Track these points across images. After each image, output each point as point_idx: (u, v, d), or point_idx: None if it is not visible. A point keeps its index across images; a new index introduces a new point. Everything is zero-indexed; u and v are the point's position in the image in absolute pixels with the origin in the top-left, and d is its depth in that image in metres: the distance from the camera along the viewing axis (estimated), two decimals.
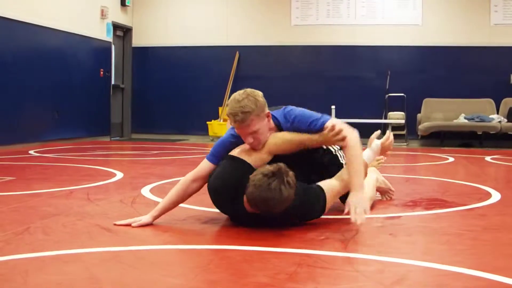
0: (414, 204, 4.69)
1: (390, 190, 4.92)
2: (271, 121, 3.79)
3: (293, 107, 3.91)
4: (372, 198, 4.40)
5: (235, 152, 3.72)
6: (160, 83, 14.36)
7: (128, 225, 3.72)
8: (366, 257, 3.02)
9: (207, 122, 13.49)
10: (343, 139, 3.70)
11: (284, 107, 3.91)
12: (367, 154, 4.17)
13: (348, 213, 3.54)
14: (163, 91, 14.34)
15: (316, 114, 3.81)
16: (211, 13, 14.18)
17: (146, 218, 3.75)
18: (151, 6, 14.46)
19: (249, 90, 3.70)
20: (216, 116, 13.53)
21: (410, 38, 13.36)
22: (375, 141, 4.26)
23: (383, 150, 4.26)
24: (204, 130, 13.61)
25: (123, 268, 2.82)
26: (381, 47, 13.44)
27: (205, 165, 3.85)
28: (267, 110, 3.71)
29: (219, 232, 3.59)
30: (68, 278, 2.63)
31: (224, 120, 13.42)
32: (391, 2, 13.46)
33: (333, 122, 3.74)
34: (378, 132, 4.41)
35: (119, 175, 6.44)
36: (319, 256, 3.03)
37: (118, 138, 14.09)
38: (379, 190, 4.87)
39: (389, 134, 4.41)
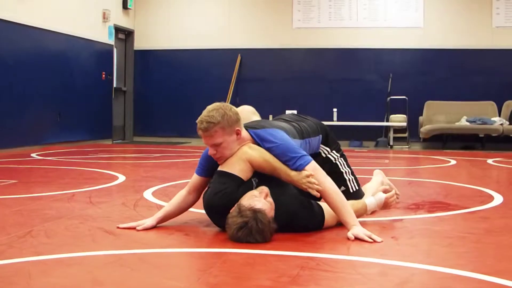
0: (416, 207, 4.68)
1: (396, 193, 4.90)
2: (245, 136, 3.73)
3: (277, 132, 3.77)
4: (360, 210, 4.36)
5: (221, 167, 3.70)
6: (162, 86, 14.37)
7: (132, 228, 3.72)
8: (368, 260, 3.02)
9: None
10: (318, 191, 3.58)
11: (267, 128, 3.80)
12: (369, 201, 4.12)
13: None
14: (165, 94, 14.35)
15: (298, 151, 3.67)
16: (213, 16, 14.19)
17: (149, 221, 3.76)
18: (153, 9, 14.47)
19: (224, 104, 3.71)
20: None
21: (412, 41, 13.36)
22: (379, 194, 4.18)
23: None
24: None
25: (126, 271, 2.82)
26: (382, 49, 13.45)
27: (194, 178, 3.93)
28: (237, 127, 3.66)
29: (221, 235, 3.59)
30: (71, 281, 2.64)
31: None
32: (393, 4, 13.46)
33: (313, 167, 3.63)
34: (386, 187, 4.39)
35: (121, 178, 6.45)
36: (321, 259, 3.03)
37: (120, 141, 14.09)
38: (383, 191, 4.85)
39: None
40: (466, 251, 3.28)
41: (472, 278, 2.70)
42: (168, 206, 3.88)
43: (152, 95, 14.46)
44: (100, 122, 13.21)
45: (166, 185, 5.87)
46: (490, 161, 9.34)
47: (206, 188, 3.78)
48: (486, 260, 3.10)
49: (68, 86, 11.91)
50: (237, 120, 3.67)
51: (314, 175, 3.58)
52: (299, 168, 3.60)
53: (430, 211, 4.50)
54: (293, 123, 4.08)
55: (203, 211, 4.21)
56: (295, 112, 11.80)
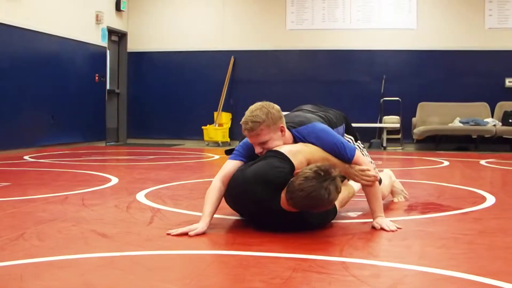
0: (409, 208, 4.69)
1: (403, 192, 5.07)
2: (287, 135, 3.83)
3: (316, 126, 3.90)
4: (383, 196, 4.48)
5: (282, 149, 3.71)
6: (155, 88, 14.36)
7: (185, 234, 3.58)
8: (361, 261, 3.02)
9: (203, 127, 13.49)
10: (371, 184, 3.80)
11: (310, 124, 3.92)
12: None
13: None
14: (158, 96, 14.34)
15: (341, 141, 3.84)
16: (206, 18, 14.19)
17: (201, 227, 3.63)
18: (146, 11, 14.46)
19: (266, 102, 3.80)
20: (211, 121, 13.53)
21: (405, 42, 13.39)
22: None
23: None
24: (199, 135, 13.62)
25: (119, 273, 2.82)
26: (376, 51, 13.47)
27: (229, 165, 3.88)
28: (281, 124, 3.77)
29: (214, 237, 3.58)
30: (64, 284, 2.63)
31: (219, 125, 13.42)
32: (386, 6, 13.48)
33: (358, 155, 3.83)
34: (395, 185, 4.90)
35: (115, 180, 6.43)
36: (314, 261, 3.03)
37: (113, 143, 14.08)
38: (392, 191, 4.99)
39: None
40: (459, 252, 3.28)
41: (465, 279, 2.70)
42: (210, 205, 3.75)
43: (146, 97, 14.45)
44: (94, 124, 13.19)
45: (159, 187, 5.86)
46: (483, 162, 9.35)
47: (247, 165, 3.75)
48: (479, 261, 3.10)
49: (62, 88, 11.89)
50: (280, 117, 3.78)
51: (361, 165, 3.79)
52: (350, 159, 3.79)
53: (423, 212, 4.50)
54: (319, 113, 4.17)
55: (195, 213, 4.22)
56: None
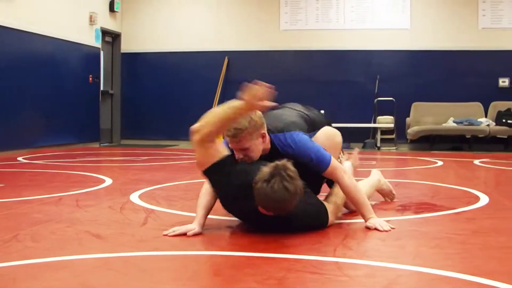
0: (403, 208, 4.69)
1: (392, 192, 5.05)
2: (267, 141, 3.83)
3: (294, 135, 3.91)
4: (369, 196, 4.46)
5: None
6: (150, 89, 14.34)
7: (183, 234, 3.60)
8: (355, 261, 3.03)
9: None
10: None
11: (288, 133, 3.92)
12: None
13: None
14: (152, 97, 14.33)
15: (316, 151, 3.85)
16: (200, 18, 14.18)
17: (197, 228, 3.66)
18: (140, 11, 14.45)
19: None
20: None
21: (399, 42, 13.40)
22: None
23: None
24: None
25: (113, 274, 2.82)
26: (370, 51, 13.47)
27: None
28: (262, 130, 3.77)
29: (208, 238, 3.58)
30: (58, 286, 2.62)
31: None
32: (380, 6, 13.49)
33: (334, 166, 3.87)
34: (382, 186, 4.98)
35: (109, 181, 6.43)
36: (308, 261, 3.03)
37: (107, 144, 14.06)
38: (381, 192, 5.01)
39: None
40: (453, 252, 3.29)
41: (459, 279, 2.71)
42: (202, 208, 3.78)
43: (140, 97, 14.43)
44: (88, 125, 13.17)
45: (153, 188, 5.86)
46: (477, 162, 9.37)
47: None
48: (473, 261, 3.11)
49: (55, 89, 11.86)
50: (262, 123, 3.78)
51: (335, 171, 3.84)
52: (322, 171, 3.86)
53: (417, 212, 4.51)
54: (304, 113, 4.24)
55: (189, 214, 4.22)
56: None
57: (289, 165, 3.41)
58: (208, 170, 3.65)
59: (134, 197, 5.24)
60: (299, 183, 3.39)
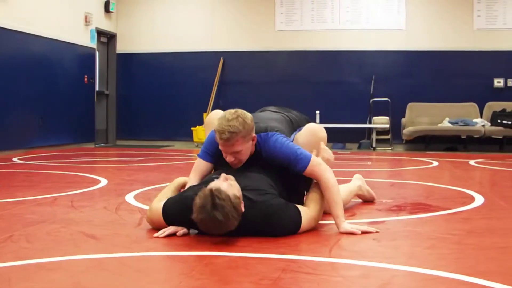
0: (398, 209, 4.70)
1: (373, 198, 5.06)
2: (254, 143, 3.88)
3: (278, 135, 3.91)
4: (345, 202, 4.47)
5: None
6: (145, 89, 14.34)
7: (173, 235, 3.61)
8: (350, 262, 3.03)
9: (192, 128, 13.47)
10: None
11: (269, 133, 3.92)
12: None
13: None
14: (147, 97, 14.33)
15: (296, 152, 3.83)
16: (196, 18, 14.18)
17: (182, 228, 3.66)
18: (135, 12, 14.44)
19: (240, 111, 3.78)
20: (201, 122, 13.51)
21: (394, 43, 13.42)
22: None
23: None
24: (189, 136, 13.60)
25: (108, 275, 2.81)
26: (365, 52, 13.50)
27: (201, 166, 4.03)
28: (253, 134, 3.80)
29: (203, 239, 3.58)
30: (52, 286, 2.62)
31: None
32: (375, 7, 13.51)
33: (315, 163, 3.83)
34: (363, 193, 5.01)
35: (104, 181, 6.42)
36: (303, 262, 3.03)
37: (103, 144, 14.05)
38: (361, 197, 5.02)
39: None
40: (448, 252, 3.29)
41: (453, 279, 2.71)
42: None
43: (135, 98, 14.43)
44: (83, 125, 13.16)
45: (148, 189, 5.85)
46: (472, 162, 9.39)
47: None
48: (468, 261, 3.11)
49: (50, 90, 11.86)
50: (253, 127, 3.81)
51: (315, 168, 3.81)
52: (301, 171, 3.83)
53: (412, 213, 4.51)
54: (282, 114, 4.27)
55: None
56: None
57: (218, 191, 3.32)
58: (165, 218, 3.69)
59: (129, 197, 5.23)
60: (228, 208, 3.29)
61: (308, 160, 3.81)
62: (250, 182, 3.67)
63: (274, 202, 3.61)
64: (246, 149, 3.78)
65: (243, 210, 3.42)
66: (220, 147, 3.77)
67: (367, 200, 5.01)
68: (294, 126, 4.24)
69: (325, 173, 3.82)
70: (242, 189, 3.53)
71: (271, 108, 4.47)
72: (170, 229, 3.64)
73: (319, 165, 3.84)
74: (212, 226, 3.33)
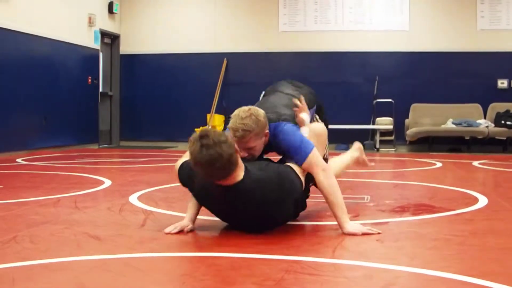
0: (401, 210, 4.70)
1: (366, 163, 5.23)
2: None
3: (286, 125, 3.98)
4: (337, 175, 4.39)
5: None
6: (148, 90, 14.35)
7: (181, 231, 3.75)
8: (353, 263, 3.03)
9: (195, 129, 13.45)
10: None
11: (278, 123, 3.99)
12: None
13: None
14: (151, 98, 14.34)
15: (301, 144, 3.89)
16: (199, 20, 14.19)
17: (190, 224, 3.82)
18: (138, 13, 14.45)
19: (253, 108, 3.86)
20: (204, 123, 13.53)
21: (398, 44, 13.41)
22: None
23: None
24: None
25: (111, 276, 2.82)
26: (368, 53, 13.49)
27: None
28: (266, 130, 3.88)
29: (206, 240, 3.58)
30: (56, 287, 2.63)
31: (212, 127, 13.41)
32: (379, 8, 13.50)
33: (313, 156, 3.86)
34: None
35: (107, 182, 6.43)
36: (306, 263, 3.03)
37: (106, 145, 14.06)
38: (358, 166, 5.23)
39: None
40: (451, 253, 3.29)
41: (456, 280, 2.71)
42: (193, 206, 3.89)
43: (138, 99, 14.45)
44: (86, 126, 13.18)
45: (152, 190, 5.86)
46: (475, 163, 9.37)
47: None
48: (471, 262, 3.11)
49: (54, 91, 11.87)
50: (266, 123, 3.89)
51: (312, 165, 3.83)
52: (299, 164, 3.86)
53: (415, 214, 4.51)
54: (294, 96, 4.31)
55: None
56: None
57: (210, 131, 3.44)
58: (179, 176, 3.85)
59: (133, 198, 5.24)
60: (214, 137, 3.39)
61: (307, 153, 3.84)
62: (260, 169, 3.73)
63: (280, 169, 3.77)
64: (259, 145, 3.87)
65: (234, 143, 3.51)
66: (236, 144, 3.81)
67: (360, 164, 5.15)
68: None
69: (323, 171, 3.84)
70: (249, 169, 3.63)
71: (282, 87, 4.55)
72: (176, 227, 3.74)
73: (318, 163, 3.85)
74: (207, 163, 3.37)
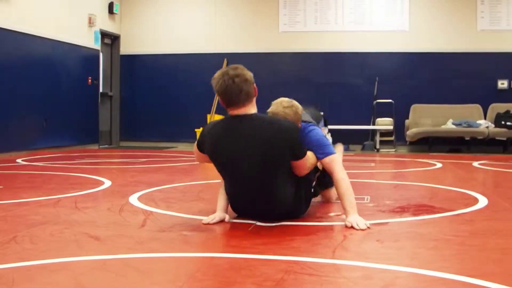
0: (401, 210, 4.70)
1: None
2: None
3: (317, 128, 4.42)
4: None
5: None
6: (148, 91, 14.36)
7: (222, 221, 4.07)
8: (353, 263, 3.03)
9: (196, 130, 13.46)
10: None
11: (309, 124, 4.43)
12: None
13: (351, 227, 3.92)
14: (151, 99, 14.34)
15: (326, 144, 4.29)
16: (199, 20, 14.19)
17: (227, 215, 4.13)
18: (139, 13, 14.46)
19: (295, 102, 4.38)
20: (204, 123, 13.51)
21: (398, 44, 13.41)
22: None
23: None
24: (192, 138, 13.58)
25: (111, 276, 2.82)
26: (369, 53, 13.49)
27: None
28: (299, 124, 4.30)
29: (206, 240, 3.58)
30: (56, 287, 2.63)
31: None
32: (379, 8, 13.51)
33: (332, 158, 4.22)
34: None
35: (107, 183, 6.43)
36: (306, 263, 3.03)
37: (106, 146, 14.06)
38: None
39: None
40: (451, 254, 3.29)
41: (456, 281, 2.71)
42: (223, 198, 4.22)
43: (139, 100, 14.45)
44: (86, 127, 13.18)
45: (152, 190, 5.86)
46: (475, 164, 9.37)
47: None
48: (471, 262, 3.11)
49: (54, 91, 11.87)
50: (300, 118, 4.36)
51: (332, 162, 4.20)
52: (320, 158, 4.22)
53: (415, 214, 4.51)
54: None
55: (188, 216, 4.22)
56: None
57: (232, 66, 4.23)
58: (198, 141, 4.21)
59: (133, 199, 5.24)
60: (246, 72, 4.25)
61: (331, 151, 4.24)
62: None
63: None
64: None
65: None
66: None
67: None
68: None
69: (341, 170, 4.18)
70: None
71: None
72: (215, 218, 4.06)
73: (338, 162, 4.22)
74: (236, 76, 4.15)
